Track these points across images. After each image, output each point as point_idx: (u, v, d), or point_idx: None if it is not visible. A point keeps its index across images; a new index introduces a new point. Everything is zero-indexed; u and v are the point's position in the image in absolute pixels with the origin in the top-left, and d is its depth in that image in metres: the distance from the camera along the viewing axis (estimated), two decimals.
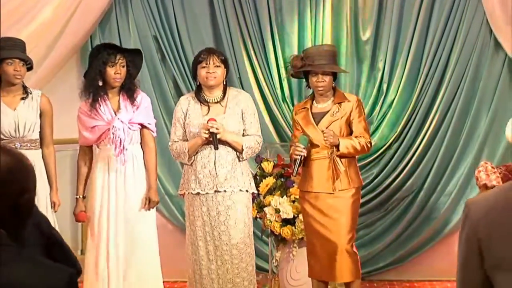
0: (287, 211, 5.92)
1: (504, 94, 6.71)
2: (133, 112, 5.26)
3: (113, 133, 5.16)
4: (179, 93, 6.90)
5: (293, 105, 6.82)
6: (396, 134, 6.81)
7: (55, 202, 5.29)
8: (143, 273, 5.22)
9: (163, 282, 5.40)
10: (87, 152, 5.39)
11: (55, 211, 5.29)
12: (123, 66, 5.24)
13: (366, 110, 6.52)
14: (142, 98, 5.34)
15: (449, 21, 6.73)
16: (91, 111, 5.23)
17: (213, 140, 5.12)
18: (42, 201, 5.09)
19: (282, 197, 6.00)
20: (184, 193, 5.33)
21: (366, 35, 6.90)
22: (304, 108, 5.39)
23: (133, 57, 5.34)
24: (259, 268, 5.81)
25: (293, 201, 5.95)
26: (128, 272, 5.20)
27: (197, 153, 5.23)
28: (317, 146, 5.25)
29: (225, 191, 5.20)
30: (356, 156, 5.39)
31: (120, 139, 5.16)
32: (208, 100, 5.30)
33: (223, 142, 5.18)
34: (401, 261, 6.91)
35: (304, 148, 5.19)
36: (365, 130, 5.30)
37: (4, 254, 1.96)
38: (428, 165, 6.80)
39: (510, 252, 2.10)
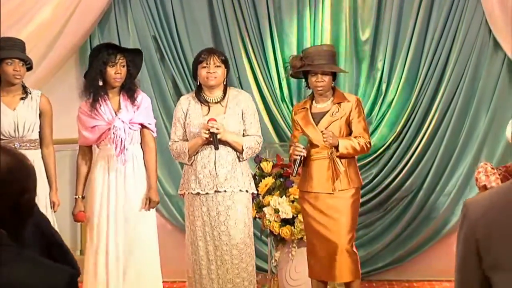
0: (286, 211, 5.92)
1: (503, 94, 6.71)
2: (134, 112, 5.26)
3: (113, 133, 5.16)
4: (178, 93, 6.90)
5: (292, 105, 6.82)
6: (395, 134, 6.81)
7: (54, 202, 5.30)
8: (142, 273, 5.22)
9: (162, 282, 5.40)
10: (86, 152, 5.39)
11: (54, 211, 5.29)
12: (124, 66, 5.25)
13: (365, 110, 6.52)
14: (143, 98, 5.34)
15: (448, 21, 6.73)
16: (92, 111, 5.23)
17: (214, 140, 5.12)
18: (41, 201, 5.09)
19: (281, 197, 6.00)
20: (184, 193, 5.33)
21: (365, 35, 6.90)
22: (304, 108, 5.39)
23: (133, 57, 5.34)
24: (258, 268, 5.81)
25: (292, 201, 5.95)
26: (128, 272, 5.19)
27: (197, 153, 5.23)
28: (317, 146, 5.25)
29: (225, 191, 5.20)
30: (356, 156, 5.39)
31: (121, 138, 5.16)
32: (209, 100, 5.30)
33: (223, 142, 5.18)
34: (400, 261, 6.91)
35: (303, 148, 5.19)
36: (364, 130, 5.31)
37: (4, 254, 1.96)
38: (427, 165, 6.80)
39: (508, 252, 2.10)
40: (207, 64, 5.24)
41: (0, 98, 5.20)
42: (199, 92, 5.34)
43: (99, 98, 5.22)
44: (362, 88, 6.91)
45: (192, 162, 5.25)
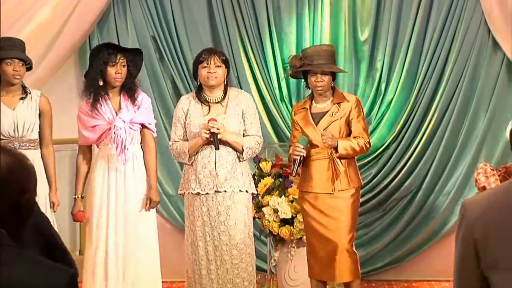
0: (286, 211, 5.92)
1: (502, 94, 6.71)
2: (134, 112, 5.26)
3: (114, 133, 5.16)
4: (177, 93, 6.91)
5: (291, 105, 6.82)
6: (394, 134, 6.81)
7: (54, 202, 5.30)
8: (142, 274, 5.22)
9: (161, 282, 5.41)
10: (86, 152, 5.39)
11: (54, 211, 5.29)
12: (124, 66, 5.25)
13: (365, 110, 6.51)
14: (143, 98, 5.34)
15: (447, 21, 6.73)
16: (92, 110, 5.23)
17: (214, 140, 5.12)
18: (41, 201, 5.08)
19: (280, 197, 6.00)
20: (184, 193, 5.33)
21: (365, 35, 6.91)
22: (304, 108, 5.39)
23: (134, 57, 5.35)
24: (257, 268, 5.81)
25: (292, 201, 5.95)
26: (127, 272, 5.19)
27: (197, 153, 5.23)
28: (317, 146, 5.25)
29: (225, 191, 5.20)
30: (356, 156, 5.39)
31: (122, 138, 5.16)
32: (209, 100, 5.30)
33: (223, 142, 5.18)
34: (399, 261, 6.91)
35: (303, 148, 5.19)
36: (364, 130, 5.31)
37: (4, 254, 1.95)
38: (427, 165, 6.80)
39: (506, 252, 2.10)
40: (207, 64, 5.24)
41: (0, 98, 5.20)
42: (199, 92, 5.34)
43: (100, 98, 5.22)
44: (361, 88, 6.91)
45: (192, 162, 5.25)
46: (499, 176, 5.15)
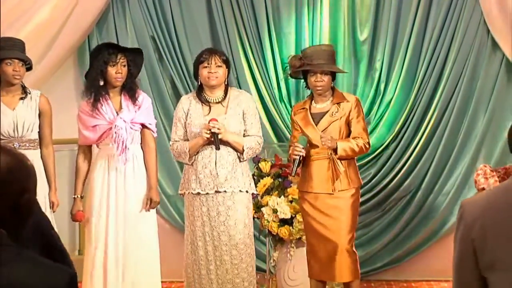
0: (285, 211, 5.92)
1: (501, 94, 6.72)
2: (135, 112, 5.26)
3: (115, 132, 5.16)
4: (177, 93, 6.91)
5: (290, 105, 6.83)
6: (393, 134, 6.82)
7: (53, 202, 5.30)
8: (142, 274, 5.21)
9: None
10: (86, 151, 5.39)
11: (53, 211, 5.29)
12: (124, 66, 5.25)
13: (364, 110, 6.51)
14: (144, 98, 5.34)
15: (447, 21, 6.73)
16: (93, 110, 5.22)
17: (215, 140, 5.12)
18: (40, 201, 5.06)
19: (279, 197, 6.00)
20: (184, 193, 5.33)
21: (364, 35, 6.91)
22: (303, 108, 5.39)
23: (134, 56, 5.34)
24: (256, 268, 5.81)
25: (291, 201, 5.95)
26: (127, 272, 5.19)
27: (198, 153, 5.23)
28: (317, 146, 5.25)
29: (225, 191, 5.20)
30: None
31: (123, 138, 5.16)
32: (210, 100, 5.31)
33: (224, 143, 5.18)
34: (398, 261, 6.91)
35: (303, 148, 5.19)
36: (363, 130, 5.31)
37: (4, 254, 1.95)
38: (426, 165, 6.80)
39: (504, 253, 2.11)
40: (208, 64, 5.24)
41: (0, 98, 5.21)
42: (200, 92, 5.34)
43: (100, 98, 5.22)
44: (361, 88, 6.92)
45: (192, 162, 5.25)
46: (498, 177, 5.15)
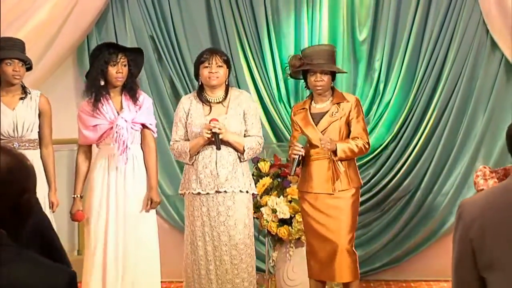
0: (284, 211, 5.93)
1: (500, 94, 6.72)
2: (136, 112, 5.26)
3: (116, 132, 5.17)
4: (176, 93, 6.91)
5: (289, 105, 6.83)
6: (393, 134, 6.82)
7: (53, 202, 5.30)
8: (142, 274, 5.21)
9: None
10: (86, 151, 5.39)
11: (53, 211, 5.29)
12: (125, 65, 5.25)
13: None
14: (144, 98, 5.35)
15: (446, 21, 6.74)
16: (94, 110, 5.23)
17: (216, 141, 5.12)
18: (40, 201, 5.07)
19: (278, 197, 6.00)
20: (185, 192, 5.33)
21: (363, 35, 6.91)
22: (303, 108, 5.39)
23: (135, 56, 5.34)
24: (256, 268, 5.82)
25: (290, 201, 5.96)
26: (127, 272, 5.19)
27: (198, 153, 5.24)
28: (317, 146, 5.25)
29: (225, 191, 5.20)
30: None
31: (124, 138, 5.16)
32: (210, 100, 5.31)
33: (224, 143, 5.18)
34: (397, 261, 6.91)
35: (302, 147, 5.19)
36: (363, 130, 5.30)
37: (4, 254, 1.95)
38: (425, 165, 6.80)
39: (502, 252, 2.11)
40: (209, 64, 5.24)
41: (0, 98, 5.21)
42: (200, 92, 5.34)
43: (101, 98, 5.22)
44: (360, 88, 6.92)
45: (193, 162, 5.25)
46: (497, 178, 5.15)
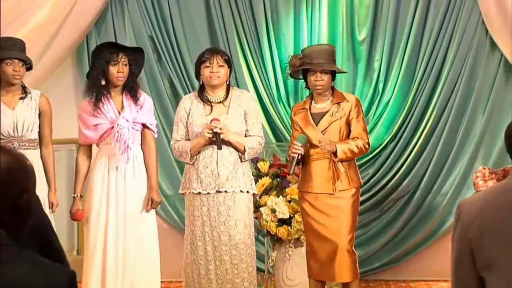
0: (283, 211, 5.93)
1: (500, 94, 6.72)
2: (137, 112, 5.26)
3: (118, 131, 5.17)
4: (175, 93, 6.92)
5: (289, 105, 6.84)
6: (392, 134, 6.82)
7: (53, 203, 5.30)
8: (141, 274, 5.21)
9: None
10: (86, 151, 5.39)
11: (52, 212, 5.29)
12: (126, 65, 5.25)
13: None
14: (145, 98, 5.35)
15: (445, 21, 6.74)
16: (95, 110, 5.23)
17: (217, 140, 5.13)
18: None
19: (278, 197, 6.00)
20: (185, 192, 5.34)
21: (362, 35, 6.91)
22: (303, 108, 5.39)
23: (135, 56, 5.34)
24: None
25: (289, 201, 5.96)
26: (126, 272, 5.18)
27: (199, 152, 5.24)
28: (317, 146, 5.24)
29: (226, 191, 5.20)
30: None
31: (125, 137, 5.16)
32: (211, 100, 5.31)
33: (225, 143, 5.18)
34: (397, 261, 6.91)
35: (301, 146, 5.19)
36: (363, 130, 5.30)
37: (4, 254, 1.95)
38: (424, 165, 6.81)
39: (501, 253, 2.11)
40: (210, 63, 5.24)
41: (0, 97, 5.21)
42: (201, 91, 5.34)
43: (102, 97, 5.23)
44: (359, 88, 6.92)
45: (194, 162, 5.26)
46: (497, 179, 5.15)
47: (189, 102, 5.35)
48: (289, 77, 5.57)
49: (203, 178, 5.21)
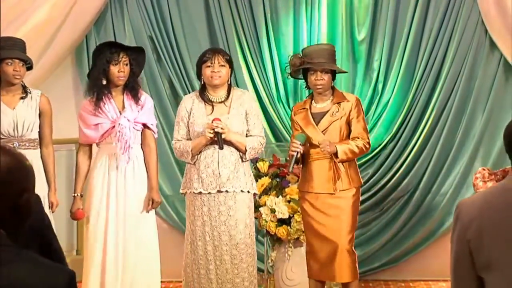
0: (283, 211, 5.93)
1: (499, 94, 6.72)
2: (138, 111, 5.27)
3: (119, 131, 5.17)
4: (175, 93, 6.92)
5: (288, 105, 6.84)
6: (391, 134, 6.82)
7: (53, 203, 5.30)
8: (141, 274, 5.21)
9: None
10: (87, 150, 5.39)
11: (52, 212, 5.29)
12: (127, 64, 5.25)
13: None
14: (146, 98, 5.36)
15: (445, 21, 6.74)
16: (96, 109, 5.23)
17: (218, 140, 5.13)
18: None
19: (277, 197, 6.00)
20: (186, 192, 5.34)
21: (362, 35, 6.91)
22: (304, 108, 5.38)
23: (136, 55, 5.35)
24: None
25: (289, 201, 5.96)
26: (126, 272, 5.18)
27: (200, 152, 5.24)
28: (317, 146, 5.24)
29: (227, 191, 5.21)
30: None
31: (126, 137, 5.16)
32: (212, 100, 5.31)
33: (227, 142, 5.19)
34: (396, 261, 6.91)
35: (300, 144, 5.18)
36: (364, 130, 5.30)
37: (4, 254, 1.95)
38: (424, 165, 6.81)
39: (500, 253, 2.11)
40: (211, 63, 5.24)
41: (0, 97, 5.20)
42: (203, 91, 5.34)
43: (103, 97, 5.23)
44: (359, 88, 6.92)
45: (195, 161, 5.26)
46: (496, 180, 5.15)
47: (190, 101, 5.36)
48: (289, 77, 5.57)
49: (204, 177, 5.21)
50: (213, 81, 5.24)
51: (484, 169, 5.24)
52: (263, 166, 6.14)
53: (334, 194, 5.23)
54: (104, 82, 5.23)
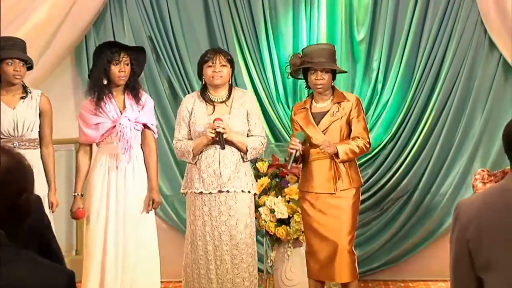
0: (282, 211, 5.92)
1: (498, 94, 6.72)
2: (139, 111, 5.27)
3: (120, 131, 5.17)
4: (174, 93, 6.91)
5: (288, 105, 6.84)
6: (391, 134, 6.82)
7: (53, 203, 5.30)
8: (142, 274, 5.21)
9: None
10: (87, 150, 5.40)
11: (52, 212, 5.29)
12: (127, 64, 5.25)
13: None
14: (147, 98, 5.37)
15: (444, 21, 6.74)
16: (96, 109, 5.23)
17: (220, 140, 5.13)
18: None
19: (277, 197, 6.00)
20: (187, 192, 5.34)
21: (361, 35, 6.91)
22: (304, 108, 5.38)
23: (137, 55, 5.35)
24: None
25: (288, 201, 5.95)
26: (126, 272, 5.19)
27: (201, 152, 5.24)
28: (318, 146, 5.24)
29: (228, 191, 5.21)
30: None
31: (127, 136, 5.17)
32: (214, 100, 5.31)
33: (228, 142, 5.19)
34: (395, 261, 6.91)
35: (299, 142, 5.18)
36: (364, 129, 5.30)
37: (3, 254, 1.96)
38: (423, 165, 6.81)
39: (499, 253, 2.11)
40: (213, 63, 5.25)
41: (0, 97, 5.20)
42: (204, 91, 5.35)
43: (104, 97, 5.23)
44: (358, 88, 6.92)
45: (196, 161, 5.26)
46: (496, 182, 5.14)
47: (191, 101, 5.36)
48: (289, 76, 5.56)
49: (205, 177, 5.21)
50: (215, 81, 5.25)
51: (483, 170, 5.23)
52: (262, 166, 6.14)
53: (335, 194, 5.23)
54: (105, 82, 5.23)
